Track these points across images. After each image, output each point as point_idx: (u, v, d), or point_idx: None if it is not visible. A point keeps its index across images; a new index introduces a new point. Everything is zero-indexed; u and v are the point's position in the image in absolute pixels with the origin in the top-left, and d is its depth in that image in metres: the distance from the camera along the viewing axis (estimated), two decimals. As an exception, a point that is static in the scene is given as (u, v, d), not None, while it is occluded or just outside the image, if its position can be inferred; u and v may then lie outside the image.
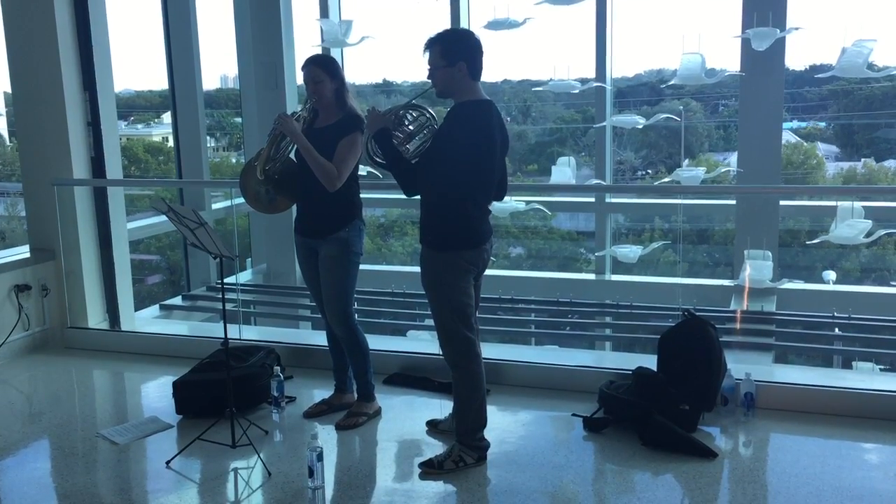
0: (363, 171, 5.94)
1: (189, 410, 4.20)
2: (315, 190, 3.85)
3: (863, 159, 12.21)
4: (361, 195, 4.05)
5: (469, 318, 3.51)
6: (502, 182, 3.61)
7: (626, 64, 12.30)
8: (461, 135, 3.35)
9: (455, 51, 3.36)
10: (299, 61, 4.02)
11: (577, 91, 7.56)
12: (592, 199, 7.94)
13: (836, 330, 6.07)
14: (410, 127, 3.56)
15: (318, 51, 7.95)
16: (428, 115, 3.58)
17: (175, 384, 4.24)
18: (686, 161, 8.93)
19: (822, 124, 12.97)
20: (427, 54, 3.41)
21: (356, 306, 4.39)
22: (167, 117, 9.17)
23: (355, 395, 4.19)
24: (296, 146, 3.86)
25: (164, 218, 4.03)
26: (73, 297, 5.54)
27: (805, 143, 12.24)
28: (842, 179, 11.92)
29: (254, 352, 4.53)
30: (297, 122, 3.85)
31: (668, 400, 3.86)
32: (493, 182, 3.50)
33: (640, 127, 7.60)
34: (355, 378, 4.16)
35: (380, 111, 3.53)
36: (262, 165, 3.89)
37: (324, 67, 3.87)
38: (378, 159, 3.55)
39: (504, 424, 4.03)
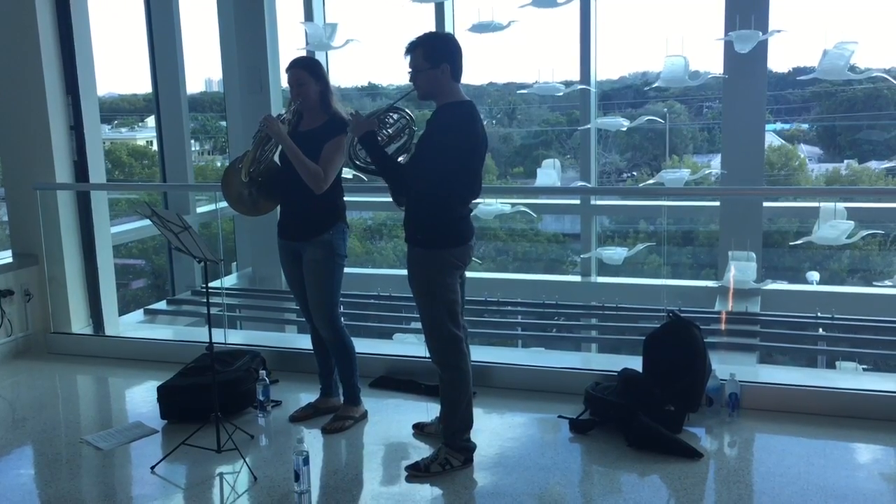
0: (348, 174, 5.93)
1: (174, 415, 4.19)
2: (298, 192, 3.84)
3: (846, 161, 12.31)
4: (346, 198, 4.04)
5: (456, 315, 3.52)
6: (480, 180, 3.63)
7: (610, 66, 12.39)
8: (449, 135, 3.36)
9: (438, 53, 3.37)
10: (283, 64, 4.02)
11: (561, 94, 7.58)
12: (578, 202, 7.96)
13: (820, 330, 6.11)
14: (390, 130, 3.56)
15: (304, 54, 7.95)
16: (408, 118, 3.58)
17: (160, 389, 4.22)
18: (669, 160, 8.96)
19: (806, 126, 13.06)
20: (409, 58, 3.42)
21: (342, 309, 4.37)
22: (151, 121, 9.14)
23: (341, 399, 4.18)
24: (280, 148, 3.85)
25: (147, 221, 4.01)
26: (56, 302, 5.50)
27: (785, 143, 12.32)
28: (824, 181, 12.00)
29: (239, 356, 4.51)
30: (283, 125, 3.84)
31: (653, 401, 3.87)
32: (477, 180, 3.52)
33: (625, 129, 7.63)
34: (341, 381, 4.15)
35: (363, 115, 3.53)
36: (248, 167, 3.88)
37: (307, 69, 3.87)
38: (359, 163, 3.54)
39: (491, 427, 4.03)
